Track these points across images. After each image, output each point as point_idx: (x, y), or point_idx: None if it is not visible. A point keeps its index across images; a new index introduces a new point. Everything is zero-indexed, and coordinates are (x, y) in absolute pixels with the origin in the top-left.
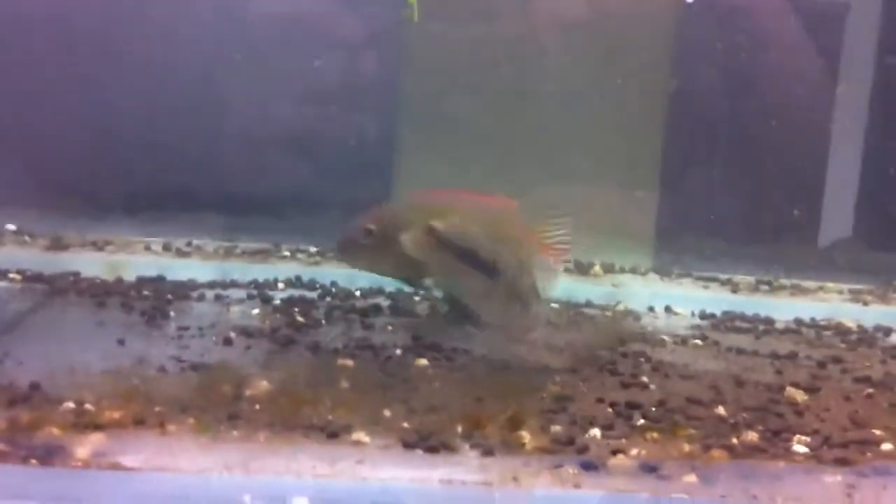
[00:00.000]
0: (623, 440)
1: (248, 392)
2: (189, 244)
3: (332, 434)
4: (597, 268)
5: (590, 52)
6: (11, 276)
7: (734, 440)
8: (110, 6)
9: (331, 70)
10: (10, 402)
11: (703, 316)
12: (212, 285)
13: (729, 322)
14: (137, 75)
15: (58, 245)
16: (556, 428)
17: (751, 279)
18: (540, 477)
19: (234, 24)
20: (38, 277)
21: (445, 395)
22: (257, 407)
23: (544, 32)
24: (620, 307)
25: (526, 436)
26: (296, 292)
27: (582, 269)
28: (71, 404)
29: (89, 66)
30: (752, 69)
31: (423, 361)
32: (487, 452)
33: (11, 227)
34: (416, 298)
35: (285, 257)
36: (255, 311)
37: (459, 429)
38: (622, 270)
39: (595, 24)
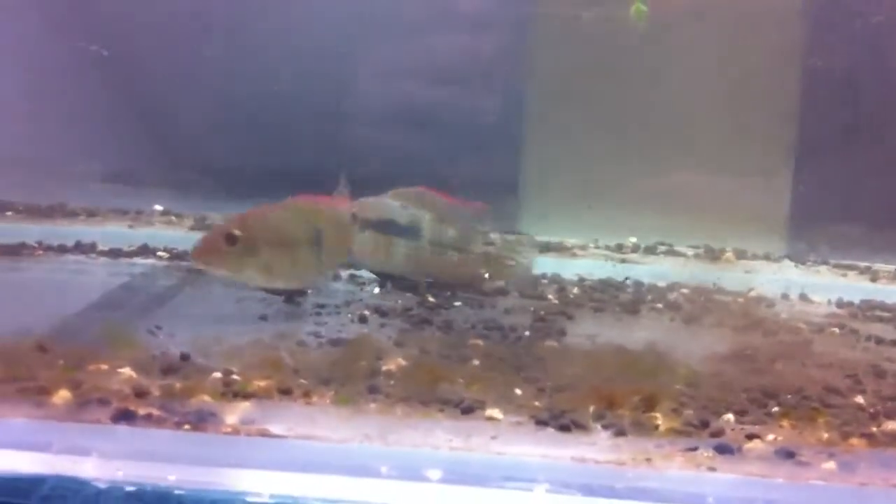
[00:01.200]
0: (758, 426)
1: (384, 367)
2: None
3: (467, 410)
4: (728, 254)
5: (724, 33)
6: (160, 254)
7: (874, 429)
8: None
9: (458, 49)
10: (163, 370)
11: (840, 304)
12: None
13: (868, 311)
14: (273, 59)
15: (202, 224)
16: (688, 411)
17: (891, 268)
18: (673, 459)
19: (362, 5)
20: (184, 255)
21: (575, 374)
22: (393, 382)
23: (676, 13)
24: (753, 293)
25: (658, 417)
26: None
27: (713, 255)
28: (219, 374)
29: (227, 52)
30: (892, 48)
31: (551, 342)
32: (619, 432)
33: (159, 207)
34: (543, 281)
35: None
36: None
37: (591, 408)
38: (755, 257)
39: (728, 4)
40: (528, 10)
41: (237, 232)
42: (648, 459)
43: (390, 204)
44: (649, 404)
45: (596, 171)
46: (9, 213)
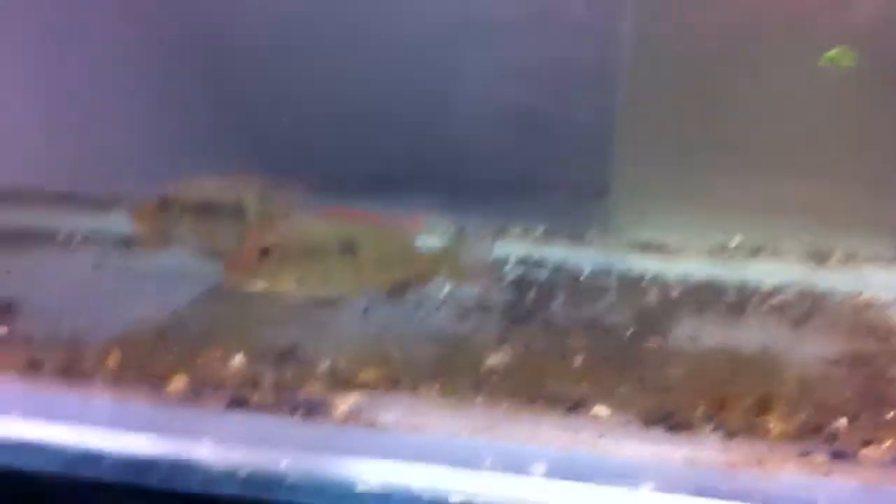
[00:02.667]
0: (873, 431)
1: (488, 362)
2: (420, 217)
3: (573, 407)
4: (838, 256)
5: (835, 34)
6: None
7: None
8: None
9: (553, 47)
10: (274, 360)
11: None
12: None
13: None
14: (375, 55)
15: None
16: (801, 415)
17: None
18: (786, 463)
19: (461, 6)
20: None
21: (682, 375)
22: (497, 377)
23: (787, 14)
24: (863, 297)
25: (771, 420)
26: (526, 271)
27: (821, 257)
28: (327, 364)
29: (330, 47)
30: None
31: (654, 342)
32: (730, 434)
33: None
34: (644, 282)
35: (516, 237)
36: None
37: (700, 409)
38: (866, 259)
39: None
40: (629, 12)
41: (269, 242)
42: (760, 462)
43: (209, 184)
44: (761, 407)
45: (699, 169)
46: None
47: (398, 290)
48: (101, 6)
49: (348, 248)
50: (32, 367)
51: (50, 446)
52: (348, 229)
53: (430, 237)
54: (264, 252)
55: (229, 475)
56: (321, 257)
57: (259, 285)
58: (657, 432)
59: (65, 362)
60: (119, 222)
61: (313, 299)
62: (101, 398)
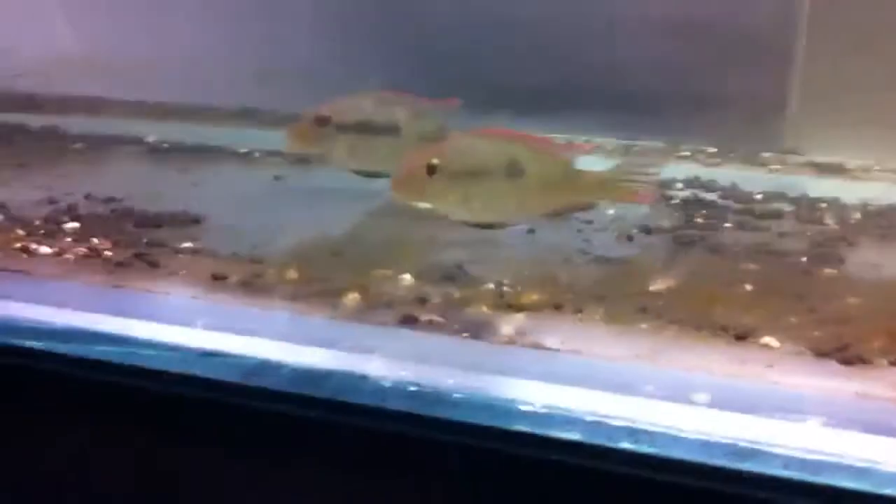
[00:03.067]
0: None
1: (653, 287)
2: (588, 142)
3: (740, 336)
4: None
5: None
6: None
7: None
8: None
9: None
10: (442, 279)
11: None
12: None
13: None
14: None
15: None
16: None
17: None
18: None
19: None
20: None
21: (857, 306)
22: (662, 303)
23: None
24: None
25: None
26: (695, 193)
27: None
28: (492, 286)
29: None
30: None
31: (830, 270)
32: None
33: None
34: (822, 205)
35: (685, 157)
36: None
37: (877, 343)
38: None
39: None
40: None
41: (436, 161)
42: None
43: (364, 103)
44: None
45: (881, 86)
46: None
47: (562, 215)
48: None
49: (513, 171)
50: (217, 280)
51: (231, 356)
52: (513, 151)
53: (598, 158)
54: (431, 170)
55: (398, 390)
56: (487, 179)
57: (426, 204)
58: (830, 365)
59: (247, 276)
60: None
61: (478, 222)
62: (279, 312)
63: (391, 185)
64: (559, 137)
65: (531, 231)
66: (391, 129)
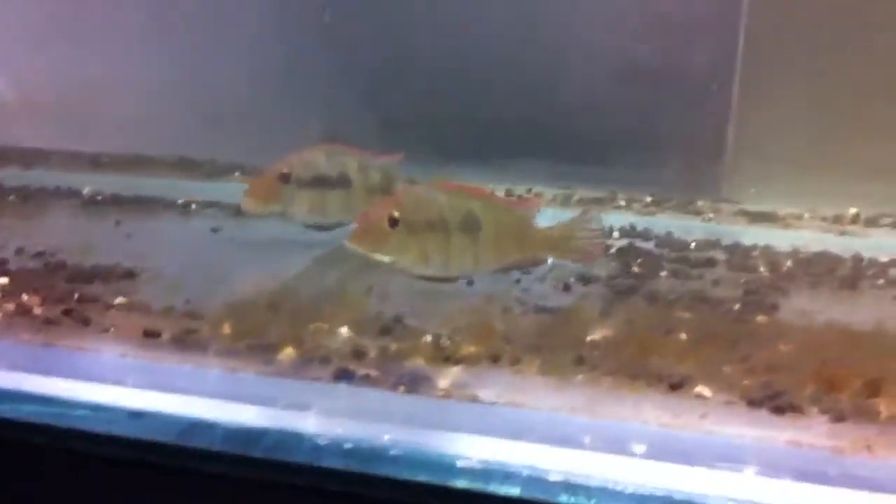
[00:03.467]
0: None
1: (590, 337)
2: (529, 191)
3: (675, 385)
4: None
5: None
6: None
7: None
8: None
9: (672, 2)
10: (379, 331)
11: None
12: None
13: None
14: (482, 20)
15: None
16: None
17: None
18: None
19: None
20: None
21: (790, 353)
22: (599, 353)
23: None
24: None
25: (881, 403)
26: (631, 241)
27: None
28: (429, 338)
29: (444, 13)
30: None
31: (762, 317)
32: (838, 417)
33: None
34: (754, 253)
35: (620, 207)
36: None
37: (807, 390)
38: None
39: None
40: None
41: (397, 214)
42: (869, 447)
43: (317, 157)
44: (872, 389)
45: (813, 136)
46: (237, 174)
47: (512, 269)
48: None
49: (470, 225)
50: (149, 336)
51: (163, 416)
52: (470, 204)
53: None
54: (392, 223)
55: (334, 447)
56: (445, 232)
57: (384, 257)
58: (762, 413)
59: (180, 332)
60: (235, 190)
61: (435, 276)
62: (213, 369)
63: (350, 236)
64: (499, 187)
65: (470, 283)
66: (343, 182)
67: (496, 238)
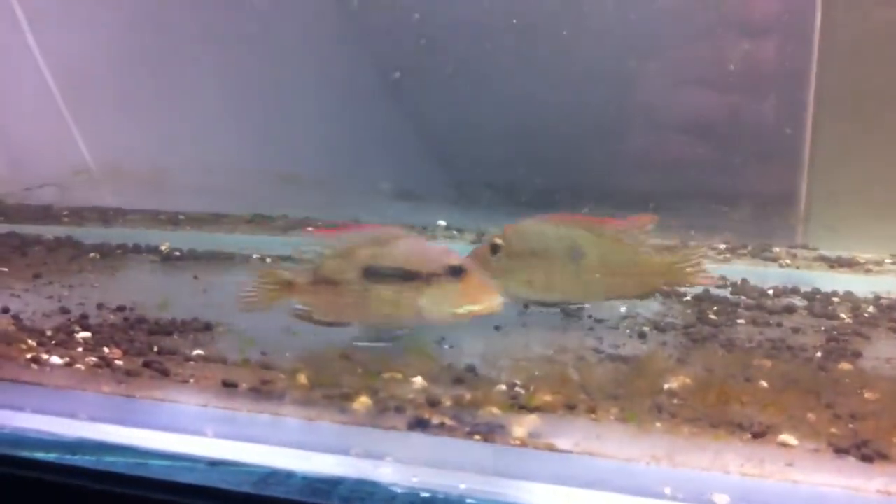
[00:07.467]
0: None
1: (667, 385)
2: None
3: (758, 434)
4: None
5: None
6: None
7: None
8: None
9: (742, 56)
10: (452, 381)
11: None
12: None
13: None
14: (553, 73)
15: (479, 239)
16: None
17: None
18: None
19: (635, 13)
20: None
21: (875, 401)
22: (678, 401)
23: None
24: None
25: None
26: (706, 288)
27: None
28: (503, 387)
29: (505, 67)
30: None
31: (846, 365)
32: None
33: (442, 222)
34: (835, 300)
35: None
36: (662, 306)
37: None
38: None
39: None
40: (816, 14)
41: (499, 241)
42: None
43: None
44: None
45: (890, 181)
46: (310, 229)
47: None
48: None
49: (575, 254)
50: (227, 387)
51: (241, 465)
52: (575, 234)
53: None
54: (494, 248)
55: (411, 496)
56: (548, 261)
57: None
58: (850, 461)
59: (257, 382)
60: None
61: (539, 300)
62: (290, 418)
63: None
64: None
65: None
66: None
67: (603, 266)
